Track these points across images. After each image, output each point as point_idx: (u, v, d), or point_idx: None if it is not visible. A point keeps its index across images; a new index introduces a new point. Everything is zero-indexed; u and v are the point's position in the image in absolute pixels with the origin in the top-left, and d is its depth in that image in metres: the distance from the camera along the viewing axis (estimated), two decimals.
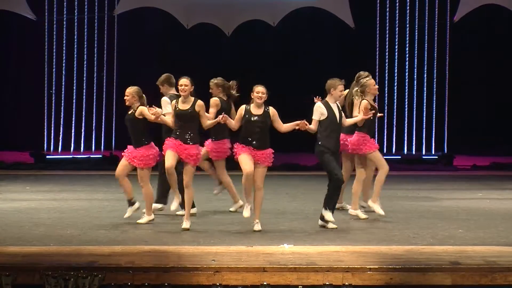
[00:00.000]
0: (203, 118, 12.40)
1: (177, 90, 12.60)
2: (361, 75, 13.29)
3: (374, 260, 10.02)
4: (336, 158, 12.59)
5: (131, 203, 12.80)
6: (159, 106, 12.82)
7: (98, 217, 13.39)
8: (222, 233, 12.12)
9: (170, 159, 12.30)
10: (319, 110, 12.40)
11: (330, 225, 12.33)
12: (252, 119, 12.18)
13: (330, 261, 9.90)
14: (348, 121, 12.82)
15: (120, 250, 10.80)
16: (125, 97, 12.70)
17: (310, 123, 12.28)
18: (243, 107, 12.28)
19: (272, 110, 12.25)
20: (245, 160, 12.17)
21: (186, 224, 12.29)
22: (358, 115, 12.91)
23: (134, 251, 10.72)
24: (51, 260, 10.02)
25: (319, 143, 12.39)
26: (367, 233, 12.04)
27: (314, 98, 12.56)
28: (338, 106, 12.55)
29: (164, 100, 13.20)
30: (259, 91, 12.22)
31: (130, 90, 12.71)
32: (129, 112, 12.70)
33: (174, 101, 12.49)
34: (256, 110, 12.21)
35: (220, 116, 12.28)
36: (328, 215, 12.36)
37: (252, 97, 12.24)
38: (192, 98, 12.40)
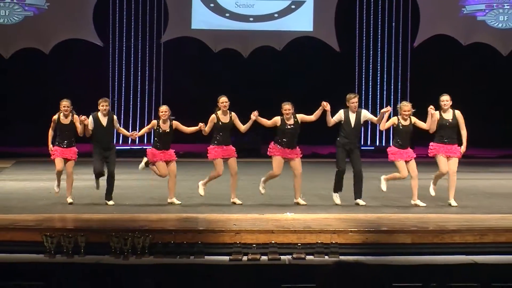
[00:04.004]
0: (239, 125, 12.37)
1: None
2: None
3: (354, 224, 10.05)
4: (351, 153, 12.17)
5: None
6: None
7: (149, 192, 13.44)
8: (241, 205, 12.14)
9: (220, 168, 12.30)
10: (338, 114, 12.24)
11: (337, 201, 12.19)
12: (286, 127, 12.14)
13: (321, 225, 9.93)
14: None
15: (165, 217, 10.86)
16: (165, 113, 12.31)
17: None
18: (279, 117, 12.22)
19: (299, 116, 12.23)
20: (277, 163, 12.18)
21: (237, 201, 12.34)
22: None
23: (176, 217, 10.77)
24: (114, 224, 10.09)
25: (338, 139, 12.27)
26: (349, 205, 12.03)
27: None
28: (358, 115, 12.19)
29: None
30: (286, 108, 12.20)
31: (166, 108, 12.42)
32: (168, 125, 12.31)
33: (214, 115, 12.32)
34: (289, 121, 12.18)
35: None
36: (334, 196, 12.23)
37: (282, 112, 12.19)
38: (228, 111, 12.33)
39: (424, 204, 12.10)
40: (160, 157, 12.35)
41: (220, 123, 12.26)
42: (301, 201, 12.17)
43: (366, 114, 12.47)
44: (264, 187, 12.39)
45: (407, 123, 12.22)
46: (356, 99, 12.30)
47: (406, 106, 12.29)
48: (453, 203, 12.13)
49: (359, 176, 12.18)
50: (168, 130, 12.35)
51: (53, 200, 12.45)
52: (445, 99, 12.12)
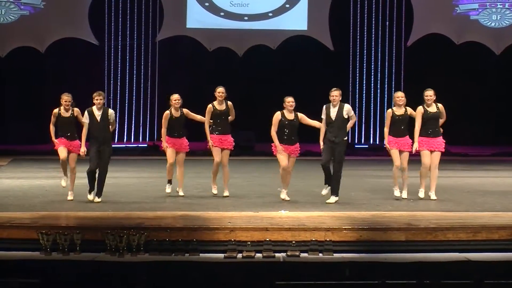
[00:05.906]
0: (232, 113, 12.51)
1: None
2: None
3: (348, 222, 10.05)
4: (336, 148, 11.99)
5: (170, 182, 12.71)
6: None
7: (144, 190, 13.41)
8: (236, 202, 12.12)
9: (217, 156, 12.41)
10: (322, 111, 12.15)
11: (323, 192, 12.21)
12: (286, 122, 12.12)
13: (315, 223, 9.92)
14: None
15: (161, 215, 10.83)
16: (178, 101, 12.50)
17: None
18: (279, 113, 12.17)
19: (300, 115, 12.19)
20: (282, 158, 12.12)
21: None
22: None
23: (171, 215, 10.75)
24: (109, 222, 10.07)
25: (325, 135, 12.15)
26: (343, 202, 12.01)
27: None
28: (339, 109, 12.03)
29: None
30: (290, 101, 12.16)
31: (178, 96, 12.58)
32: (180, 114, 12.53)
33: (210, 105, 12.48)
34: (289, 115, 12.15)
35: None
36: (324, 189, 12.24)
37: (285, 106, 12.17)
38: (224, 101, 12.45)
39: (405, 196, 12.22)
40: (171, 144, 12.54)
41: (217, 111, 12.43)
42: (282, 194, 12.23)
43: (350, 110, 12.13)
44: (284, 192, 12.29)
45: (401, 111, 12.33)
46: (335, 93, 12.05)
47: (399, 93, 12.57)
48: (433, 196, 12.29)
49: (335, 176, 12.05)
50: (179, 117, 12.56)
51: (49, 198, 12.44)
52: (429, 94, 12.37)
